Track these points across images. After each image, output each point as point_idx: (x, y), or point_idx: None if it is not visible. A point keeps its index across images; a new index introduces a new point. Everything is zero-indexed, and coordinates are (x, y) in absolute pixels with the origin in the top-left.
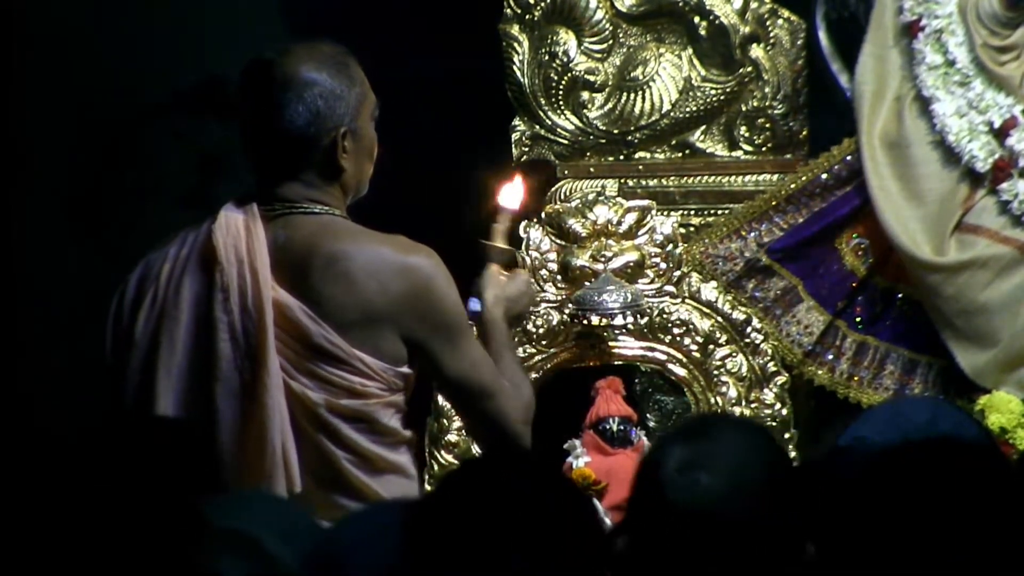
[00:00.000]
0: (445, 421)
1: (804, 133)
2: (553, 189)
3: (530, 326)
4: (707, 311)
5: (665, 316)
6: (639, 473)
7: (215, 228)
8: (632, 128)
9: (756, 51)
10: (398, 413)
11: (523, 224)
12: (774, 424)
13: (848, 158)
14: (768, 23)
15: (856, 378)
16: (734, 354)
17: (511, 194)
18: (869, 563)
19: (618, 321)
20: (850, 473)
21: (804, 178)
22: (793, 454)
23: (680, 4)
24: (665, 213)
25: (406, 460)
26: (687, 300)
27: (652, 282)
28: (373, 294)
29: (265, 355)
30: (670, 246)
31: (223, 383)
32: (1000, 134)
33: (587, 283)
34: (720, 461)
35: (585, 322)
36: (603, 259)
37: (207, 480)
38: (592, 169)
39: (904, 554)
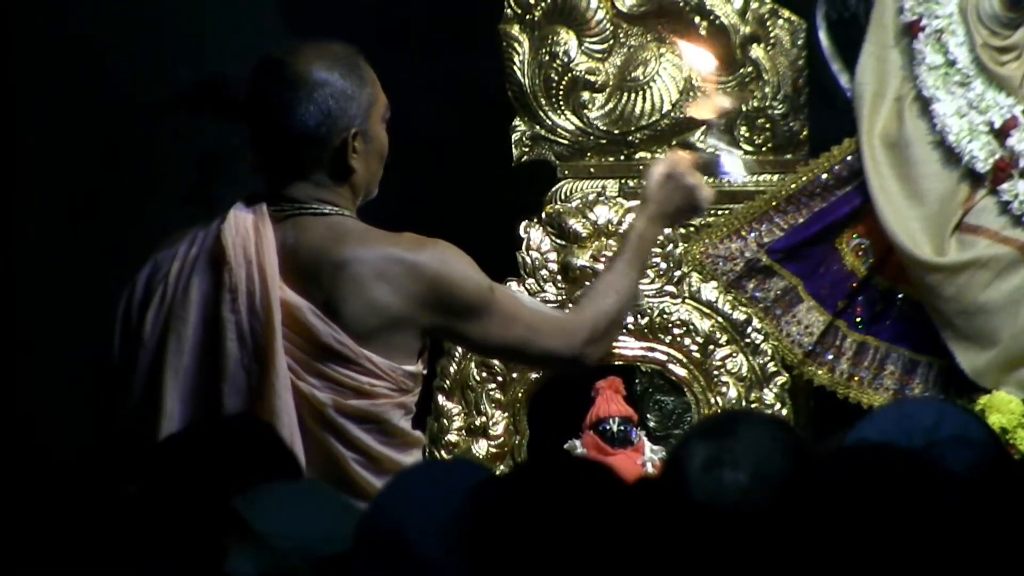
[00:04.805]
0: (445, 421)
1: (804, 133)
2: (553, 189)
3: None
4: (707, 311)
5: (665, 316)
6: (663, 474)
7: (224, 228)
8: (632, 128)
9: (756, 51)
10: (408, 414)
11: (523, 224)
12: None
13: (848, 158)
14: (768, 23)
15: (856, 378)
16: (734, 354)
17: (698, 57)
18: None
19: None
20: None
21: (804, 178)
22: None
23: (680, 4)
24: None
25: (413, 462)
26: (687, 300)
27: (652, 282)
28: (387, 298)
29: (272, 356)
30: (670, 246)
31: (230, 383)
32: (1000, 134)
33: (587, 283)
34: (743, 456)
35: None
36: (604, 259)
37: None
38: (592, 169)
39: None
